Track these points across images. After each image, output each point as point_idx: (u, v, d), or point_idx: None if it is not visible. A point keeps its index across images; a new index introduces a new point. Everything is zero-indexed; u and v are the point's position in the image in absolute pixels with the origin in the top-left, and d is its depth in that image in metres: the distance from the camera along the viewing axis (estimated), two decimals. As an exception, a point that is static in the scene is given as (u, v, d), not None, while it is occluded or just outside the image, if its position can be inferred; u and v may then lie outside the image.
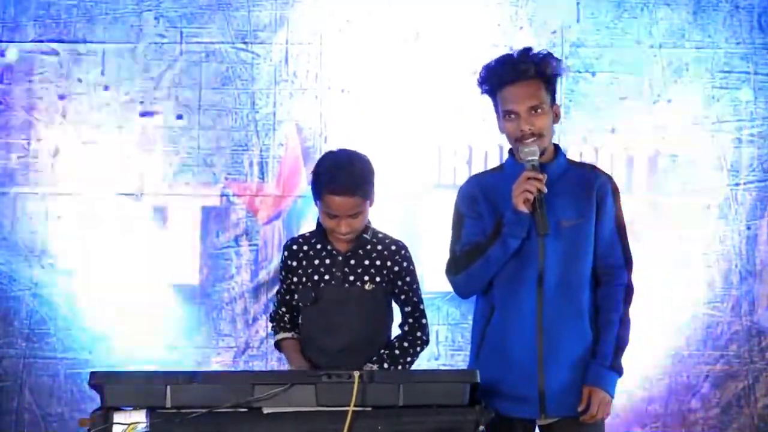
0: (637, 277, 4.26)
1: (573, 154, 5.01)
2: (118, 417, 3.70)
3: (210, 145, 5.82)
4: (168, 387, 3.71)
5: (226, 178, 5.83)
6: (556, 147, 4.30)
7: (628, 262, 4.24)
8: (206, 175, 5.82)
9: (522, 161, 4.15)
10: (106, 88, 5.81)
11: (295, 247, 4.39)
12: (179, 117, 5.82)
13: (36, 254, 5.76)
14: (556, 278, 4.14)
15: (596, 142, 5.85)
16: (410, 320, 4.37)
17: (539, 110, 4.15)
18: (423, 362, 5.45)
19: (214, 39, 5.83)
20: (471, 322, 4.41)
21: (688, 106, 5.87)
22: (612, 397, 4.17)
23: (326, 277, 4.32)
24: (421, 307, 4.38)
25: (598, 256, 4.21)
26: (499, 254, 4.14)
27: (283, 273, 4.41)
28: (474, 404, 3.73)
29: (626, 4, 5.89)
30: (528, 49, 4.22)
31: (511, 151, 4.28)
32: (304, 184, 5.69)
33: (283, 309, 4.41)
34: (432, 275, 5.43)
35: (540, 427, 4.23)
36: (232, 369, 5.70)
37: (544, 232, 4.09)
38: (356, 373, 3.71)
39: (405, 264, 4.35)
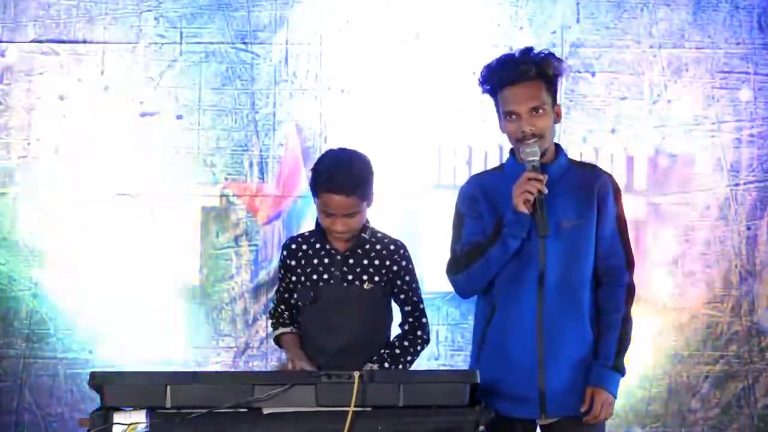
0: (637, 277, 4.26)
1: (573, 154, 5.00)
2: (118, 417, 3.70)
3: (210, 145, 5.82)
4: (168, 387, 3.71)
5: (226, 179, 5.83)
6: (558, 147, 4.29)
7: (629, 262, 4.24)
8: (206, 175, 5.82)
9: (523, 162, 4.15)
10: (106, 88, 5.81)
11: (294, 247, 4.39)
12: (179, 117, 5.82)
13: (36, 254, 5.76)
14: (556, 278, 4.14)
15: (596, 142, 5.85)
16: (410, 319, 4.37)
17: (540, 111, 4.15)
18: (423, 362, 5.45)
19: (214, 39, 5.83)
20: (471, 323, 4.41)
21: (688, 106, 5.87)
22: (615, 397, 4.17)
23: (325, 276, 4.32)
24: (421, 306, 4.38)
25: (599, 256, 4.21)
26: (500, 254, 4.14)
27: (282, 272, 4.41)
28: (474, 404, 3.73)
29: (626, 4, 5.88)
30: (529, 49, 4.22)
31: (512, 151, 4.28)
32: (304, 185, 5.68)
33: (282, 307, 4.42)
34: (432, 275, 5.44)
35: (541, 427, 4.23)
36: (232, 369, 5.70)
37: (545, 233, 4.09)
38: (356, 374, 3.71)
39: (404, 263, 4.35)
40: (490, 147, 5.74)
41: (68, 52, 5.81)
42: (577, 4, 5.87)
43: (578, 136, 5.83)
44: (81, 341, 5.74)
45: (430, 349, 5.64)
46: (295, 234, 4.68)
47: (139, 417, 3.70)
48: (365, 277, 4.31)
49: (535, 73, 4.16)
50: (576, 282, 4.17)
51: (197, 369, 5.57)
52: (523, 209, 4.08)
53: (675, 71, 5.88)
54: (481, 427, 3.70)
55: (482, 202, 4.24)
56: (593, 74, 5.87)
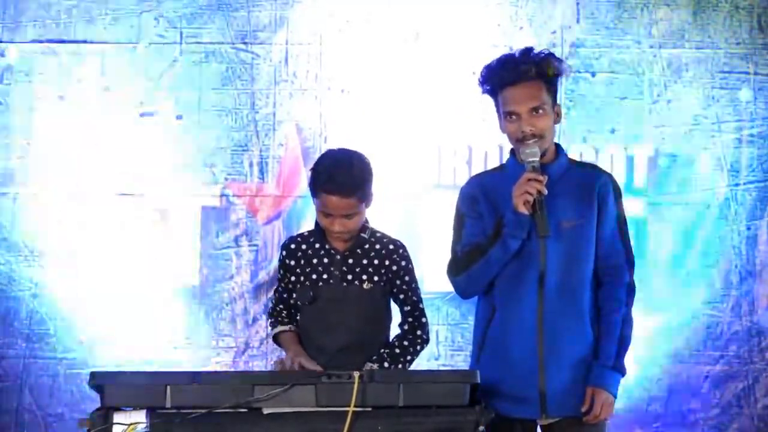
0: (637, 277, 4.26)
1: (573, 154, 5.01)
2: (118, 417, 3.71)
3: (210, 145, 5.82)
4: (168, 387, 3.71)
5: (226, 179, 5.83)
6: (558, 147, 4.29)
7: (629, 262, 4.24)
8: (206, 175, 5.82)
9: (523, 162, 4.15)
10: (106, 88, 5.81)
11: (293, 246, 4.39)
12: (179, 117, 5.82)
13: (36, 254, 5.76)
14: (556, 279, 4.14)
15: (596, 142, 5.85)
16: (410, 319, 4.36)
17: (540, 111, 4.15)
18: (423, 362, 5.46)
19: (214, 39, 5.84)
20: (471, 323, 4.41)
21: (688, 106, 5.87)
22: (615, 397, 4.17)
23: (324, 276, 4.32)
24: (421, 306, 4.38)
25: (599, 256, 4.21)
26: (500, 255, 4.14)
27: (282, 272, 4.41)
28: (474, 404, 3.73)
29: (626, 4, 5.89)
30: (529, 50, 4.22)
31: (512, 151, 4.28)
32: (304, 185, 5.68)
33: (281, 306, 4.42)
34: (432, 275, 5.44)
35: (541, 427, 4.23)
36: (232, 369, 5.70)
37: (545, 234, 4.09)
38: (356, 374, 3.71)
39: (403, 263, 4.35)
40: (490, 147, 5.74)
41: (68, 52, 5.81)
42: (577, 4, 5.88)
43: (578, 136, 5.83)
44: (81, 341, 5.74)
45: (430, 349, 5.65)
46: (294, 234, 4.68)
47: (139, 417, 3.70)
48: (365, 277, 4.31)
49: (535, 73, 4.16)
50: (576, 282, 4.17)
51: (197, 369, 5.58)
52: (523, 210, 4.08)
53: (675, 71, 5.88)
54: (481, 427, 3.70)
55: (483, 202, 4.24)
56: (593, 74, 5.87)
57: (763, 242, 5.85)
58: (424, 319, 4.38)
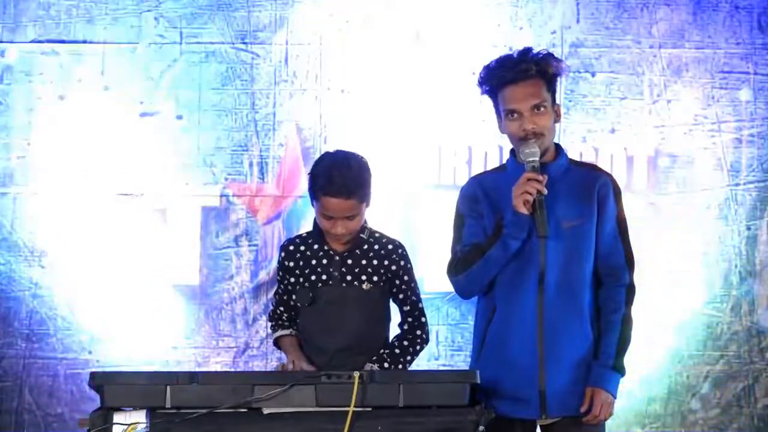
0: (637, 277, 4.26)
1: (573, 154, 5.01)
2: (118, 417, 3.71)
3: (210, 145, 5.82)
4: (168, 387, 3.72)
5: (226, 179, 5.82)
6: (558, 147, 4.30)
7: (629, 262, 4.24)
8: (206, 175, 5.82)
9: (523, 162, 4.15)
10: (106, 88, 5.81)
11: (292, 248, 4.39)
12: (179, 117, 5.82)
13: (36, 254, 5.76)
14: (556, 279, 4.14)
15: (596, 142, 5.85)
16: (409, 319, 4.37)
17: (541, 109, 4.16)
18: (423, 362, 5.46)
19: (214, 39, 5.83)
20: (471, 323, 4.41)
21: (688, 106, 5.87)
22: (615, 397, 4.18)
23: (324, 277, 4.33)
24: (420, 305, 4.39)
25: (599, 256, 4.21)
26: (500, 255, 4.14)
27: (281, 273, 4.42)
28: (474, 404, 3.73)
29: (626, 4, 5.88)
30: (528, 50, 4.23)
31: (512, 151, 4.28)
32: (303, 185, 5.67)
33: (281, 308, 4.42)
34: (432, 275, 5.45)
35: (541, 427, 4.23)
36: (232, 369, 5.70)
37: (544, 234, 4.09)
38: (356, 374, 3.71)
39: (402, 263, 4.35)
40: (490, 147, 5.74)
41: (68, 52, 5.80)
42: (577, 4, 5.88)
43: (578, 136, 5.83)
44: (81, 341, 5.74)
45: (430, 349, 5.65)
46: (294, 234, 4.68)
47: (139, 417, 3.71)
48: (364, 278, 4.32)
49: (535, 72, 4.17)
50: (576, 282, 4.17)
51: (197, 369, 5.58)
52: (523, 210, 4.08)
53: (675, 71, 5.88)
54: (481, 427, 3.70)
55: (483, 202, 4.24)
56: (593, 74, 5.87)
57: (763, 242, 5.85)
58: (423, 319, 4.38)
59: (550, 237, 4.11)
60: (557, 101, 4.26)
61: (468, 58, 5.63)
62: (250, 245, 5.81)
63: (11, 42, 5.80)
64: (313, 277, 4.33)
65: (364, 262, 4.32)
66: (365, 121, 5.79)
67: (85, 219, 5.76)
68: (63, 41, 5.81)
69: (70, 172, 5.77)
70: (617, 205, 4.26)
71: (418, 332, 4.36)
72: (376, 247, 4.34)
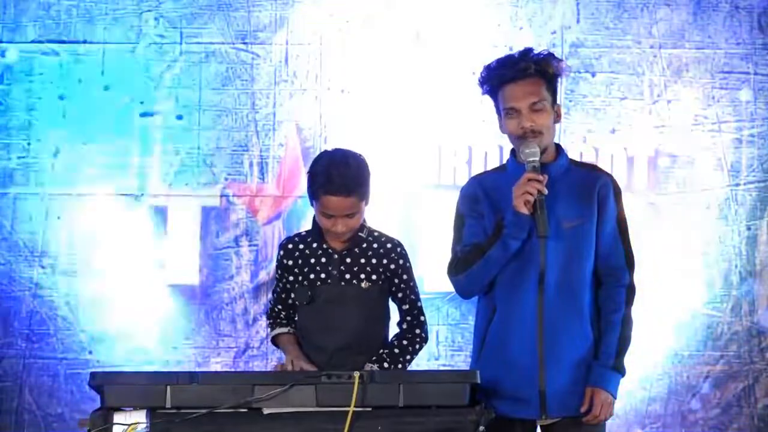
0: (637, 277, 4.26)
1: (573, 154, 5.01)
2: (118, 417, 3.71)
3: (210, 145, 5.82)
4: (168, 387, 3.71)
5: (226, 179, 5.82)
6: (558, 147, 4.30)
7: (630, 262, 4.24)
8: (206, 175, 5.82)
9: (523, 162, 4.15)
10: (106, 88, 5.81)
11: (290, 246, 4.39)
12: (179, 117, 5.82)
13: (36, 254, 5.76)
14: (557, 279, 4.14)
15: (596, 142, 5.85)
16: (408, 318, 4.37)
17: (540, 107, 4.16)
18: (423, 362, 5.46)
19: (214, 39, 5.83)
20: (471, 323, 4.41)
21: (688, 106, 5.87)
22: (615, 397, 4.17)
23: (322, 275, 4.33)
24: (419, 304, 4.39)
25: (599, 256, 4.21)
26: (500, 255, 4.13)
27: (279, 272, 4.42)
28: (474, 404, 3.73)
29: (626, 4, 5.89)
30: (529, 50, 4.23)
31: (512, 151, 4.28)
32: (304, 185, 5.64)
33: (279, 307, 4.42)
34: (432, 275, 5.45)
35: (541, 427, 4.23)
36: (232, 369, 5.70)
37: (544, 234, 4.09)
38: (356, 374, 3.71)
39: (401, 262, 4.35)
40: (491, 147, 5.74)
41: (68, 52, 5.81)
42: (577, 4, 5.88)
43: (578, 136, 5.83)
44: (81, 341, 5.74)
45: (430, 349, 5.66)
46: (292, 234, 4.68)
47: (140, 417, 3.70)
48: (362, 276, 4.32)
49: (535, 71, 4.17)
50: (576, 282, 4.17)
51: (197, 369, 5.58)
52: (523, 210, 4.08)
53: (675, 71, 5.88)
54: (481, 427, 3.70)
55: (483, 202, 4.24)
56: (593, 74, 5.87)
57: (763, 242, 5.85)
58: (422, 318, 4.38)
59: (550, 237, 4.11)
60: (558, 102, 4.26)
61: (468, 58, 5.63)
62: (250, 245, 5.81)
63: (11, 42, 5.80)
64: (312, 276, 4.33)
65: (362, 260, 4.32)
66: (365, 121, 5.79)
67: (85, 219, 5.76)
68: (63, 41, 5.81)
69: (69, 172, 5.77)
70: (617, 205, 4.26)
71: (417, 331, 4.36)
72: (375, 245, 4.34)
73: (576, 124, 5.83)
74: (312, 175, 4.28)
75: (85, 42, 5.82)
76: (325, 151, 4.41)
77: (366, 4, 5.84)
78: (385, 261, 4.33)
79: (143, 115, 5.81)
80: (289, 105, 5.84)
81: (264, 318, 5.64)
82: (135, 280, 5.74)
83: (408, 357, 4.33)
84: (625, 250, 4.24)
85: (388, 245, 4.35)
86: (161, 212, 5.79)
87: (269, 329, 4.47)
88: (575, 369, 4.15)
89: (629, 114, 5.86)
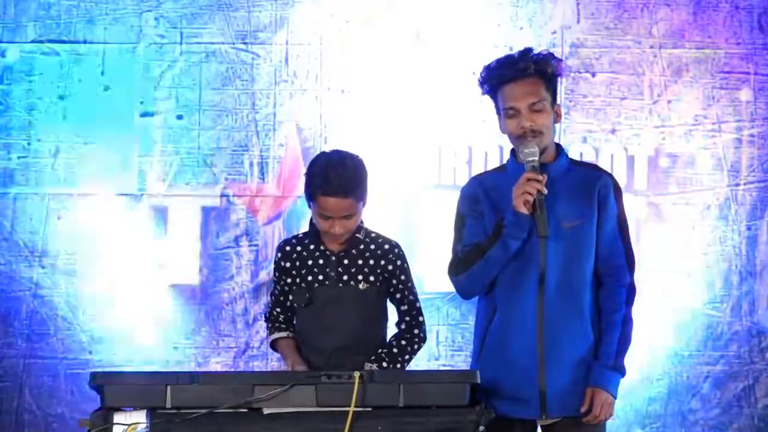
0: (637, 277, 4.26)
1: (573, 154, 5.01)
2: (118, 417, 3.71)
3: (210, 145, 5.82)
4: (168, 387, 3.71)
5: (226, 179, 5.82)
6: (559, 147, 4.30)
7: (630, 262, 4.24)
8: (206, 175, 5.82)
9: (522, 162, 4.15)
10: (106, 88, 5.81)
11: (288, 248, 4.39)
12: (179, 117, 5.82)
13: (36, 254, 5.76)
14: (557, 279, 4.14)
15: (596, 142, 5.85)
16: (407, 318, 4.37)
17: (539, 107, 4.16)
18: (423, 363, 5.47)
19: (214, 39, 5.83)
20: (471, 323, 4.41)
21: (688, 106, 5.87)
22: (615, 397, 4.17)
23: (320, 277, 4.33)
24: (418, 305, 4.39)
25: (600, 256, 4.21)
26: (500, 255, 4.13)
27: (277, 274, 4.42)
28: (474, 405, 3.73)
29: (626, 4, 5.88)
30: (529, 50, 4.24)
31: (512, 151, 4.29)
32: (303, 185, 5.67)
33: (278, 309, 4.42)
34: (432, 275, 5.45)
35: (541, 427, 4.23)
36: (233, 369, 5.70)
37: (544, 234, 4.09)
38: (356, 374, 3.71)
39: (399, 263, 4.35)
40: (491, 147, 5.74)
41: (68, 52, 5.81)
42: (577, 4, 5.87)
43: (578, 136, 5.83)
44: (81, 341, 5.74)
45: (430, 349, 5.65)
46: (290, 236, 4.68)
47: (140, 417, 3.70)
48: (360, 278, 4.32)
49: (534, 71, 4.17)
50: (576, 282, 4.17)
51: (197, 369, 5.58)
52: (523, 210, 4.08)
53: (675, 71, 5.88)
54: (481, 428, 3.70)
55: (483, 202, 4.24)
56: (593, 74, 5.87)
57: (763, 242, 5.85)
58: (421, 318, 4.38)
59: (550, 237, 4.11)
60: (558, 102, 4.26)
61: (468, 58, 5.63)
62: (250, 245, 5.81)
63: (11, 42, 5.80)
64: (310, 278, 4.33)
65: (360, 262, 4.32)
66: (365, 121, 5.79)
67: (85, 219, 5.76)
68: (63, 41, 5.81)
69: (69, 172, 5.77)
70: (618, 205, 4.26)
71: (416, 331, 4.36)
72: (373, 246, 4.34)
73: (576, 124, 5.83)
74: (309, 176, 4.28)
75: (85, 42, 5.82)
76: (323, 153, 4.41)
77: (366, 4, 5.84)
78: (382, 262, 4.33)
79: (143, 115, 5.81)
80: (290, 105, 5.84)
81: (263, 320, 5.66)
82: (135, 280, 5.74)
83: (407, 357, 4.33)
84: (625, 250, 4.24)
85: (386, 246, 4.35)
86: (161, 212, 5.79)
87: (268, 333, 4.46)
88: (575, 369, 4.15)
89: (629, 114, 5.86)
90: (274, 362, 5.64)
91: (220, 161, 5.82)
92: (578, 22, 5.88)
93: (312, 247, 4.35)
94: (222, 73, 5.84)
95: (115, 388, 3.73)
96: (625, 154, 5.86)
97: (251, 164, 5.83)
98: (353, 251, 4.33)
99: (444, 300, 5.72)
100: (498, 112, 4.24)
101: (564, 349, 4.14)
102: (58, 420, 5.72)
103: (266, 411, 3.72)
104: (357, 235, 4.32)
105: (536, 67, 4.17)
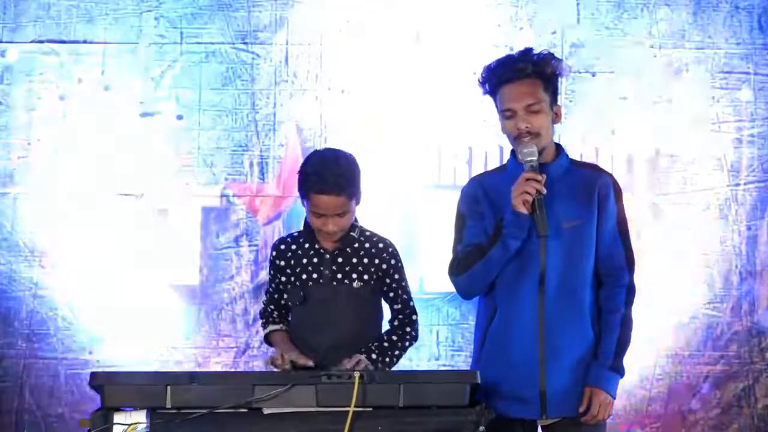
0: (637, 277, 4.26)
1: (573, 154, 5.00)
2: (118, 417, 3.71)
3: (210, 145, 5.82)
4: (168, 387, 3.72)
5: (226, 179, 5.83)
6: (559, 147, 4.30)
7: (630, 262, 4.24)
8: (206, 175, 5.82)
9: (521, 162, 4.15)
10: (107, 88, 5.81)
11: (283, 247, 4.40)
12: (179, 117, 5.82)
13: (36, 254, 5.76)
14: (557, 279, 4.14)
15: (596, 142, 5.85)
16: (400, 316, 4.38)
17: (536, 108, 4.15)
18: (423, 362, 5.47)
19: (214, 39, 5.83)
20: (471, 323, 4.41)
21: (688, 106, 5.87)
22: (613, 398, 4.17)
23: (314, 276, 4.33)
24: (411, 304, 4.40)
25: (599, 256, 4.21)
26: (500, 255, 4.14)
27: (272, 272, 4.43)
28: (474, 405, 3.73)
29: (626, 4, 5.88)
30: (529, 50, 4.23)
31: (512, 151, 4.29)
32: (303, 185, 5.68)
33: (272, 306, 4.44)
34: (432, 275, 5.45)
35: (541, 427, 4.23)
36: (233, 369, 5.70)
37: (544, 234, 4.09)
38: (356, 374, 3.71)
39: (393, 261, 4.36)
40: (491, 148, 5.74)
41: (68, 52, 5.81)
42: (577, 4, 5.88)
43: (578, 136, 5.83)
44: (81, 341, 5.74)
45: (430, 349, 5.66)
46: (284, 235, 4.68)
47: (140, 417, 3.71)
48: (354, 276, 4.32)
49: (532, 71, 4.17)
50: (577, 282, 4.17)
51: (197, 369, 5.58)
52: (522, 210, 4.08)
53: (675, 71, 5.88)
54: (482, 428, 3.70)
55: (484, 202, 4.24)
56: (593, 74, 5.87)
57: (763, 242, 5.85)
58: (414, 317, 4.39)
59: (550, 237, 4.11)
60: (558, 102, 4.26)
61: (468, 58, 5.63)
62: (250, 245, 5.81)
63: (11, 42, 5.80)
64: (304, 276, 4.34)
65: (354, 260, 4.33)
66: (365, 121, 5.79)
67: (85, 219, 5.76)
68: (63, 41, 5.81)
69: (70, 172, 5.77)
70: (618, 205, 4.26)
71: (408, 329, 4.37)
72: (367, 245, 4.35)
73: (576, 124, 5.82)
74: (303, 174, 4.29)
75: (85, 42, 5.82)
76: (316, 151, 4.43)
77: (366, 4, 5.84)
78: (376, 261, 4.34)
79: (143, 115, 5.81)
80: (290, 105, 5.85)
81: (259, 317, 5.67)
82: (135, 280, 5.74)
83: (396, 353, 4.33)
84: (625, 250, 4.24)
85: (380, 245, 4.36)
86: (161, 212, 5.79)
87: (262, 328, 4.48)
88: (576, 369, 4.15)
89: (629, 114, 5.86)
90: (264, 360, 5.64)
91: (220, 161, 5.82)
92: (578, 22, 5.88)
93: (307, 245, 4.36)
94: (222, 73, 5.84)
95: (115, 388, 3.73)
96: (625, 154, 5.86)
97: (251, 164, 5.83)
98: (347, 250, 4.33)
99: (444, 300, 5.72)
100: (498, 112, 4.24)
101: (564, 349, 4.14)
102: (58, 420, 5.72)
103: (266, 411, 3.72)
104: (351, 233, 4.33)
105: (534, 67, 4.17)
